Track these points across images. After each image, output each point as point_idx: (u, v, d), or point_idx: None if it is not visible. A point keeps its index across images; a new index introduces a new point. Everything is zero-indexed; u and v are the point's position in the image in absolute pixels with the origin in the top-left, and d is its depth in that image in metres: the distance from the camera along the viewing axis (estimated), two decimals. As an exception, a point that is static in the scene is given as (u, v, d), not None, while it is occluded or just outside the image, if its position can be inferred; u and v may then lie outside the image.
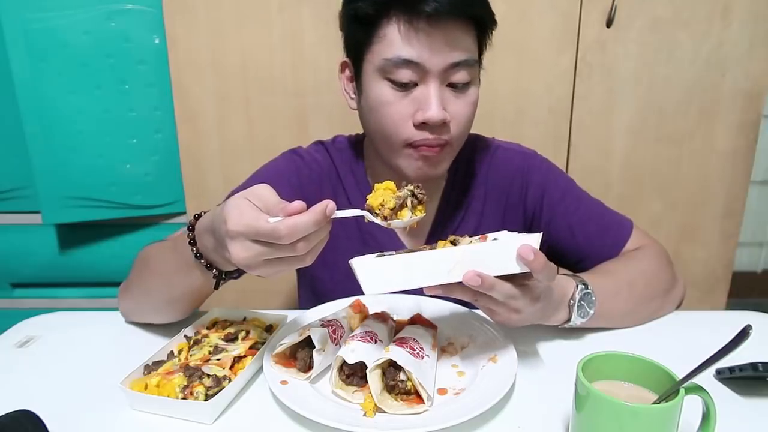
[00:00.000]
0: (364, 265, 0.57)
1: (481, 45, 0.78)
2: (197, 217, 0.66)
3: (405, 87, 0.73)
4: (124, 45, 1.43)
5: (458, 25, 0.71)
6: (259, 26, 1.40)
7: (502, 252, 0.57)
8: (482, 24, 0.75)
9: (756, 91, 1.42)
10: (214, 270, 0.65)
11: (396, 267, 0.57)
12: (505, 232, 0.67)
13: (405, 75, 0.71)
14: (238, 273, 0.68)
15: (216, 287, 0.68)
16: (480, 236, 0.67)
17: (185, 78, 1.45)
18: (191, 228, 0.65)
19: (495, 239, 0.64)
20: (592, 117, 1.45)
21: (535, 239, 0.58)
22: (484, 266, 0.57)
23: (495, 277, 0.58)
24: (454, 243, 0.62)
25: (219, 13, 1.40)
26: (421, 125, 0.73)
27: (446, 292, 0.59)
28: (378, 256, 0.64)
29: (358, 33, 0.75)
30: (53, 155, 1.48)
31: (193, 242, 0.64)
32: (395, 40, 0.70)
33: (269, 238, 0.53)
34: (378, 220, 0.62)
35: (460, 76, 0.73)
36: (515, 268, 0.58)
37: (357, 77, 0.78)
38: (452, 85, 0.74)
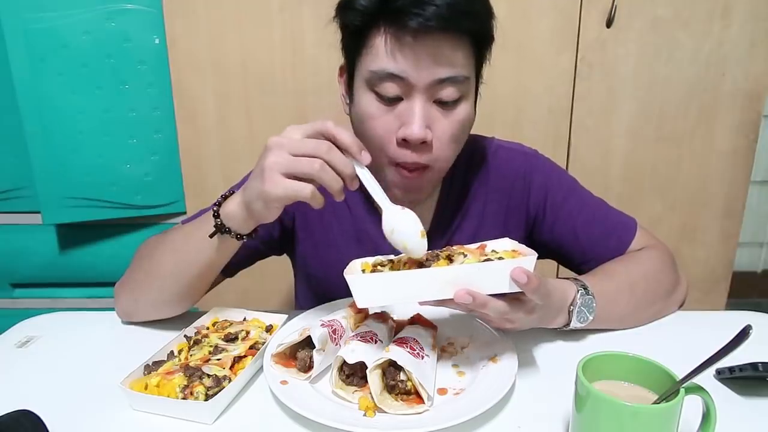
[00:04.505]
0: (357, 281, 0.58)
1: (479, 59, 0.74)
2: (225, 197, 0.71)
3: (390, 101, 0.70)
4: (124, 45, 1.43)
5: (448, 40, 0.67)
6: (259, 26, 1.40)
7: (496, 273, 0.58)
8: (478, 38, 0.71)
9: (756, 91, 1.42)
10: (219, 220, 0.68)
11: (389, 283, 0.59)
12: (507, 239, 0.67)
13: (390, 89, 0.69)
14: (249, 236, 0.70)
15: (212, 235, 0.69)
16: (479, 245, 0.67)
17: (185, 78, 1.45)
18: (218, 204, 0.70)
19: (493, 250, 0.64)
20: (592, 117, 1.45)
21: (530, 261, 0.58)
22: (477, 285, 0.57)
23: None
24: (450, 257, 0.62)
25: (219, 13, 1.40)
26: (403, 142, 0.71)
27: (440, 304, 0.60)
28: (375, 261, 0.66)
29: (349, 42, 0.74)
30: (53, 155, 1.48)
31: (216, 215, 0.68)
32: (381, 53, 0.68)
33: (318, 126, 0.61)
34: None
35: (447, 93, 0.69)
36: (508, 288, 0.58)
37: (350, 85, 0.77)
38: (440, 102, 0.70)
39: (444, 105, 0.71)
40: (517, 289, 0.58)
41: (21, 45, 1.39)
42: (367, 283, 0.59)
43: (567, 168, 1.50)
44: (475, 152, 0.88)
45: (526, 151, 0.90)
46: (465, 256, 0.62)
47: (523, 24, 1.38)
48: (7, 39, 1.38)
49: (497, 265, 0.58)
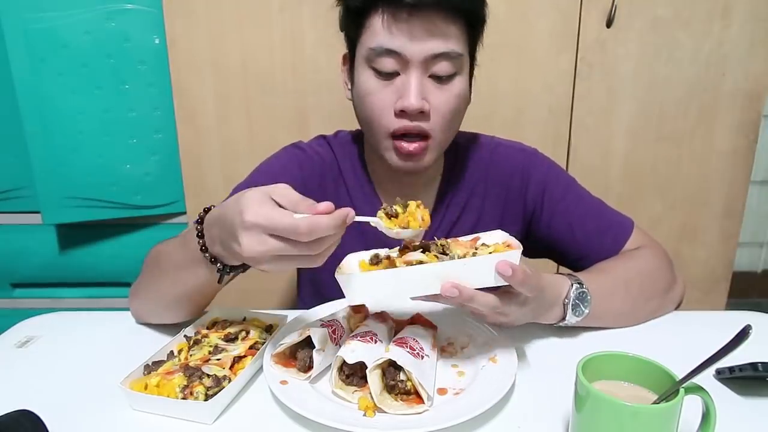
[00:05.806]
0: (347, 280, 0.59)
1: (473, 39, 0.78)
2: (207, 210, 0.65)
3: (388, 76, 0.74)
4: (124, 45, 1.43)
5: (441, 17, 0.71)
6: (259, 26, 1.40)
7: (481, 267, 0.58)
8: (470, 17, 0.75)
9: (756, 91, 1.42)
10: (219, 263, 0.63)
11: (378, 281, 0.60)
12: (499, 232, 0.68)
13: (387, 64, 0.73)
14: (244, 268, 0.66)
15: (220, 281, 0.66)
16: (473, 237, 0.68)
17: (185, 78, 1.45)
18: (200, 221, 0.64)
19: (483, 243, 0.66)
20: (592, 117, 1.45)
21: (515, 255, 0.58)
22: (464, 280, 0.58)
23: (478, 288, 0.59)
24: (444, 250, 0.63)
25: (219, 13, 1.40)
26: (401, 113, 0.74)
27: (431, 299, 0.61)
28: (372, 257, 0.65)
29: (350, 25, 0.78)
30: (53, 155, 1.47)
31: (201, 235, 0.64)
32: (379, 30, 0.72)
33: (288, 233, 0.52)
34: (387, 231, 0.63)
35: (442, 67, 0.73)
36: (494, 282, 0.58)
37: (351, 68, 0.81)
38: (436, 77, 0.74)
39: (439, 79, 0.74)
40: (504, 283, 0.58)
41: (21, 45, 1.39)
42: (357, 281, 0.60)
43: (567, 168, 1.50)
44: (475, 149, 0.90)
45: (525, 149, 0.92)
46: (445, 254, 0.62)
47: (523, 24, 1.38)
48: (7, 39, 1.38)
49: (482, 260, 0.59)
